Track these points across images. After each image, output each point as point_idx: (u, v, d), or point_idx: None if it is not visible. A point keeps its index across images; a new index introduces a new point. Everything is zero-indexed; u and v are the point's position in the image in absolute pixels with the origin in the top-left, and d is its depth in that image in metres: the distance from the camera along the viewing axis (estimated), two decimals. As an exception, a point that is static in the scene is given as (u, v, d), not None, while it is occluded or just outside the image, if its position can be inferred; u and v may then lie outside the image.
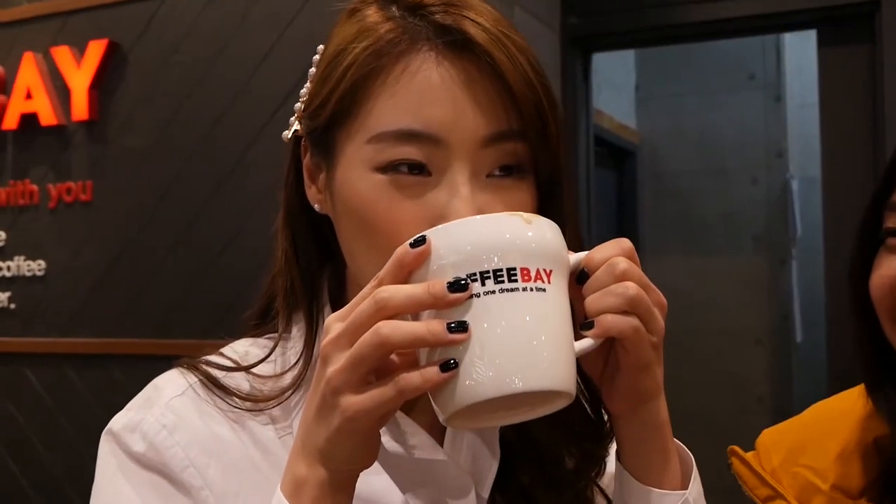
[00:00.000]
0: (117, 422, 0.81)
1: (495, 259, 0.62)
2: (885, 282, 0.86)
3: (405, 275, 0.63)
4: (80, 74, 2.80)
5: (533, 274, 0.63)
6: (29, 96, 2.87)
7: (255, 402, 0.80)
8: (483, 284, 0.61)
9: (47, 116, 2.85)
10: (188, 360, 0.84)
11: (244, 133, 2.59)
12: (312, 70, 0.81)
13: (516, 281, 0.62)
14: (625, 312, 0.65)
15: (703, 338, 3.96)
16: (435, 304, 0.61)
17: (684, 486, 0.75)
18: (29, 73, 2.87)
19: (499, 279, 0.62)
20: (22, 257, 2.92)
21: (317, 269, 0.85)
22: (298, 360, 0.81)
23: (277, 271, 0.85)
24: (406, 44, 0.73)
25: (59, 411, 2.83)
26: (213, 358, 0.83)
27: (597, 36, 3.10)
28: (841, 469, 0.93)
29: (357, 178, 0.73)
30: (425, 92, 0.71)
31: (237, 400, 0.80)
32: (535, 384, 0.61)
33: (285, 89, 2.52)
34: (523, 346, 0.62)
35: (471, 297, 0.61)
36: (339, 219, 0.78)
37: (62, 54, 2.83)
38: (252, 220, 2.56)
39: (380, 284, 0.63)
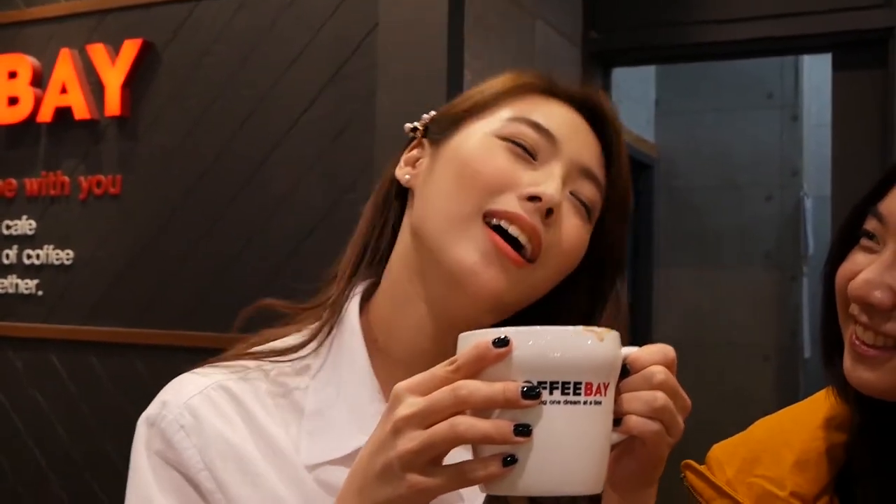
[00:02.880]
0: (146, 414, 0.85)
1: (567, 372, 0.67)
2: (845, 273, 0.92)
3: (482, 369, 0.66)
4: (114, 72, 2.88)
5: (594, 388, 0.68)
6: (64, 91, 2.94)
7: (286, 352, 0.87)
8: (551, 393, 0.66)
9: (81, 111, 2.93)
10: (218, 357, 0.89)
11: (269, 135, 2.66)
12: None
13: (580, 394, 0.67)
14: (651, 417, 0.69)
15: (711, 351, 3.97)
16: (507, 406, 0.65)
17: None
18: (65, 68, 2.95)
19: (566, 391, 0.67)
20: (51, 246, 3.00)
21: (376, 255, 0.93)
22: (312, 340, 0.88)
23: (353, 246, 0.93)
24: (548, 89, 0.90)
25: (80, 397, 2.91)
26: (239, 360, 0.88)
27: (617, 51, 3.16)
28: (797, 477, 0.98)
29: (477, 138, 0.86)
30: (560, 116, 0.88)
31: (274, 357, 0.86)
32: (578, 489, 0.68)
33: (310, 95, 2.60)
34: (575, 456, 0.68)
35: (559, 403, 0.67)
36: (435, 174, 0.88)
37: (97, 51, 2.91)
38: (274, 220, 2.63)
39: (457, 370, 0.66)
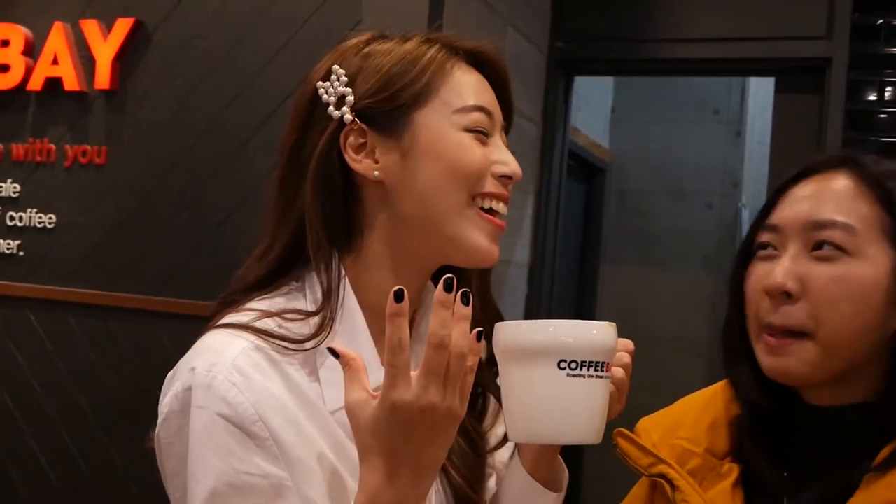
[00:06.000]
0: (196, 381, 0.87)
1: (596, 354, 0.88)
2: (755, 281, 1.02)
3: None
4: (105, 47, 2.90)
5: (608, 367, 0.90)
6: (55, 62, 2.94)
7: (303, 342, 0.91)
8: (589, 369, 0.87)
9: (71, 82, 2.93)
10: (232, 323, 0.92)
11: (253, 118, 2.71)
12: (342, 80, 0.97)
13: (602, 370, 0.89)
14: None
15: (648, 344, 4.03)
16: (471, 350, 0.82)
17: (559, 490, 1.05)
18: (57, 40, 2.95)
19: (598, 368, 0.88)
20: (34, 210, 3.01)
21: (341, 233, 0.97)
22: (320, 310, 0.94)
23: (312, 244, 0.95)
24: (457, 56, 1.00)
25: (56, 354, 2.94)
26: (259, 322, 0.92)
27: (580, 61, 3.22)
28: (711, 437, 1.09)
29: (451, 135, 0.96)
30: (481, 85, 1.00)
31: (293, 344, 0.91)
32: (591, 440, 0.89)
33: (294, 83, 2.64)
34: (598, 414, 0.90)
35: (583, 377, 0.87)
36: (417, 171, 0.96)
37: (90, 27, 2.92)
38: (253, 198, 2.67)
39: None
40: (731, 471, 1.05)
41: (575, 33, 3.15)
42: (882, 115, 2.76)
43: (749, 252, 1.05)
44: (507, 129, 1.04)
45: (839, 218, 0.98)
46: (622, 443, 1.12)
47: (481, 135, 0.97)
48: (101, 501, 2.84)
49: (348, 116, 0.96)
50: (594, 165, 4.32)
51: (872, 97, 2.77)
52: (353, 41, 1.01)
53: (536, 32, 3.08)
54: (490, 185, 0.97)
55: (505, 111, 1.02)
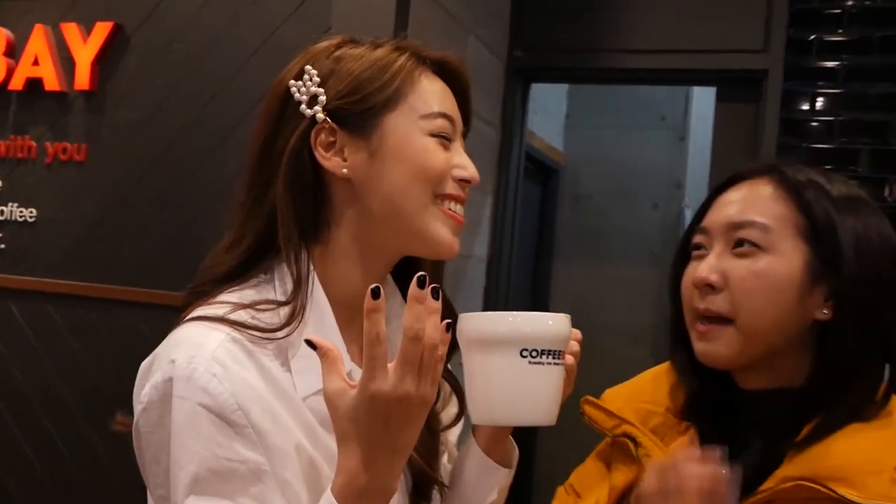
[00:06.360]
0: (176, 373, 0.89)
1: (554, 343, 0.93)
2: (688, 279, 1.11)
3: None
4: (85, 49, 2.98)
5: (563, 354, 0.95)
6: (36, 63, 3.02)
7: (275, 331, 0.94)
8: (547, 357, 0.93)
9: (51, 82, 3.01)
10: (208, 315, 0.93)
11: (228, 119, 2.80)
12: (314, 80, 0.99)
13: (558, 358, 0.94)
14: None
15: (598, 334, 4.12)
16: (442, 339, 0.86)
17: (510, 467, 1.10)
18: (38, 42, 3.03)
19: (554, 356, 0.93)
20: (15, 204, 3.08)
21: (310, 227, 0.99)
22: (290, 301, 0.96)
23: (283, 237, 0.97)
24: (423, 65, 1.03)
25: (38, 344, 3.01)
26: (233, 314, 0.93)
27: (537, 69, 3.36)
28: (671, 399, 1.17)
29: (417, 139, 0.99)
30: (444, 92, 1.03)
31: (266, 334, 0.93)
32: (546, 422, 0.95)
33: (267, 85, 2.74)
34: (553, 398, 0.95)
35: (542, 364, 0.92)
36: (384, 171, 0.98)
37: (70, 30, 3.00)
38: (228, 195, 2.75)
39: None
40: (690, 428, 1.15)
41: (532, 43, 3.29)
42: (814, 124, 2.94)
43: (685, 252, 1.15)
44: (465, 133, 1.07)
45: (757, 218, 1.06)
46: (589, 409, 1.21)
47: (444, 140, 1.00)
48: (81, 485, 2.92)
49: (320, 115, 0.98)
50: (549, 168, 4.42)
51: (805, 107, 2.95)
52: (325, 44, 1.03)
53: (496, 41, 3.21)
54: (450, 188, 1.01)
55: (465, 118, 1.06)
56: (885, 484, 0.95)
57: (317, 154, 0.98)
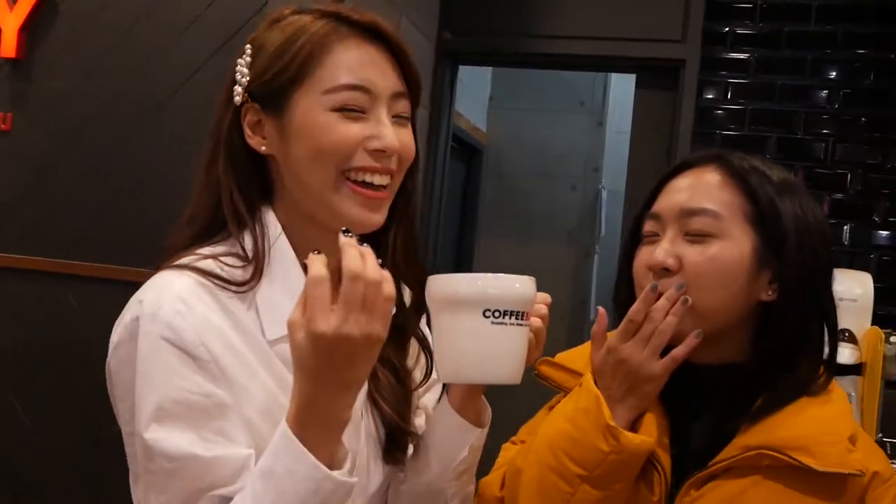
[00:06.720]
0: (144, 311, 0.93)
1: (518, 304, 0.95)
2: (641, 263, 1.15)
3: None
4: (11, 16, 2.88)
5: (527, 316, 0.97)
6: (-42, 28, 2.91)
7: (240, 285, 0.98)
8: (511, 318, 0.94)
9: (-25, 49, 2.91)
10: (177, 264, 0.98)
11: (161, 90, 2.75)
12: (247, 59, 1.02)
13: (522, 319, 0.96)
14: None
15: None
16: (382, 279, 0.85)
17: (484, 426, 1.09)
18: (-39, 8, 2.91)
19: (518, 317, 0.95)
20: (-65, 172, 2.97)
21: (256, 201, 1.03)
22: (252, 259, 1.00)
23: (226, 202, 1.01)
24: (340, 31, 1.00)
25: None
26: (200, 262, 0.98)
27: (465, 52, 3.44)
28: None
29: (316, 116, 0.97)
30: (361, 61, 0.99)
31: (231, 285, 0.97)
32: (511, 380, 0.96)
33: (202, 57, 2.74)
34: (518, 357, 0.97)
35: (505, 325, 0.93)
36: (290, 150, 0.99)
37: (-5, -4, 2.90)
38: (158, 168, 2.72)
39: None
40: None
41: (460, 27, 3.36)
42: (726, 112, 3.11)
43: (636, 236, 1.19)
44: (414, 100, 1.04)
45: (708, 206, 1.10)
46: (546, 369, 1.24)
47: (354, 112, 0.98)
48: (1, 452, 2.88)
49: (237, 98, 1.02)
50: (473, 147, 4.50)
51: (719, 95, 3.12)
52: (275, 13, 1.04)
53: (427, 24, 3.26)
54: (360, 160, 0.98)
55: (410, 83, 1.03)
56: (841, 453, 1.02)
57: (245, 133, 1.02)
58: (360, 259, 0.83)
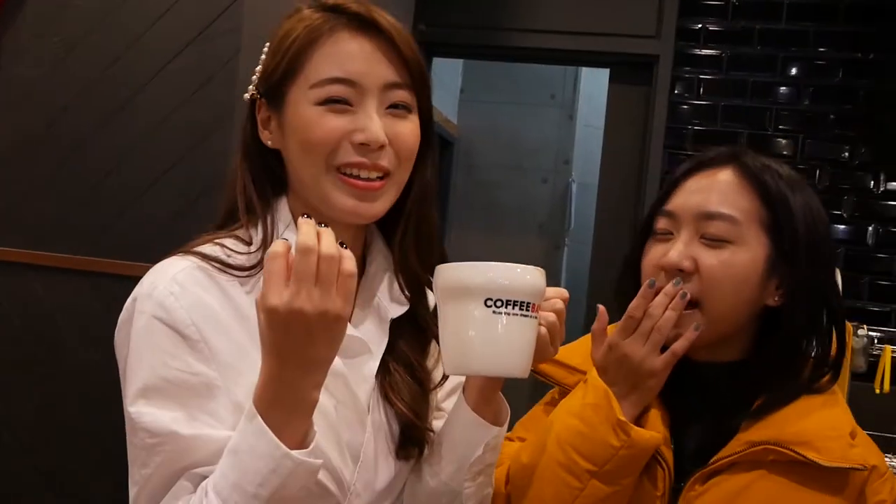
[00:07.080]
0: (140, 291, 0.97)
1: (524, 295, 0.91)
2: (651, 260, 1.15)
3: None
4: (-21, 2, 2.82)
5: (534, 307, 0.92)
6: (-77, 15, 2.83)
7: (244, 270, 0.99)
8: (515, 308, 0.90)
9: (-60, 36, 2.83)
10: (185, 248, 1.01)
11: (135, 79, 2.71)
12: (263, 56, 1.06)
13: (529, 310, 0.91)
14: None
15: None
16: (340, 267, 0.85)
17: (501, 425, 1.07)
18: (-75, -7, 2.84)
19: (522, 307, 0.91)
20: None
21: (270, 192, 1.06)
22: (259, 248, 1.02)
23: (239, 193, 1.05)
24: (332, 25, 0.99)
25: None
26: (204, 247, 1.01)
27: (439, 44, 3.41)
28: None
29: (303, 110, 0.99)
30: (348, 54, 0.98)
31: (233, 270, 0.99)
32: (518, 374, 0.93)
33: (176, 48, 2.69)
34: (524, 350, 0.92)
35: (507, 314, 0.89)
36: (287, 144, 1.02)
37: (-39, -19, 2.83)
38: (133, 156, 2.70)
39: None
40: None
41: (435, 18, 3.33)
42: (698, 108, 3.13)
43: (647, 232, 1.18)
44: (417, 89, 1.02)
45: (727, 211, 1.10)
46: (545, 366, 1.23)
47: (340, 105, 0.98)
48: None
49: (246, 96, 1.05)
50: (444, 139, 4.49)
51: (692, 91, 3.14)
52: (288, 13, 1.05)
53: (401, 15, 3.15)
54: (346, 155, 0.99)
55: (413, 72, 1.01)
56: (843, 448, 1.05)
57: (258, 127, 1.05)
58: (313, 235, 0.83)
